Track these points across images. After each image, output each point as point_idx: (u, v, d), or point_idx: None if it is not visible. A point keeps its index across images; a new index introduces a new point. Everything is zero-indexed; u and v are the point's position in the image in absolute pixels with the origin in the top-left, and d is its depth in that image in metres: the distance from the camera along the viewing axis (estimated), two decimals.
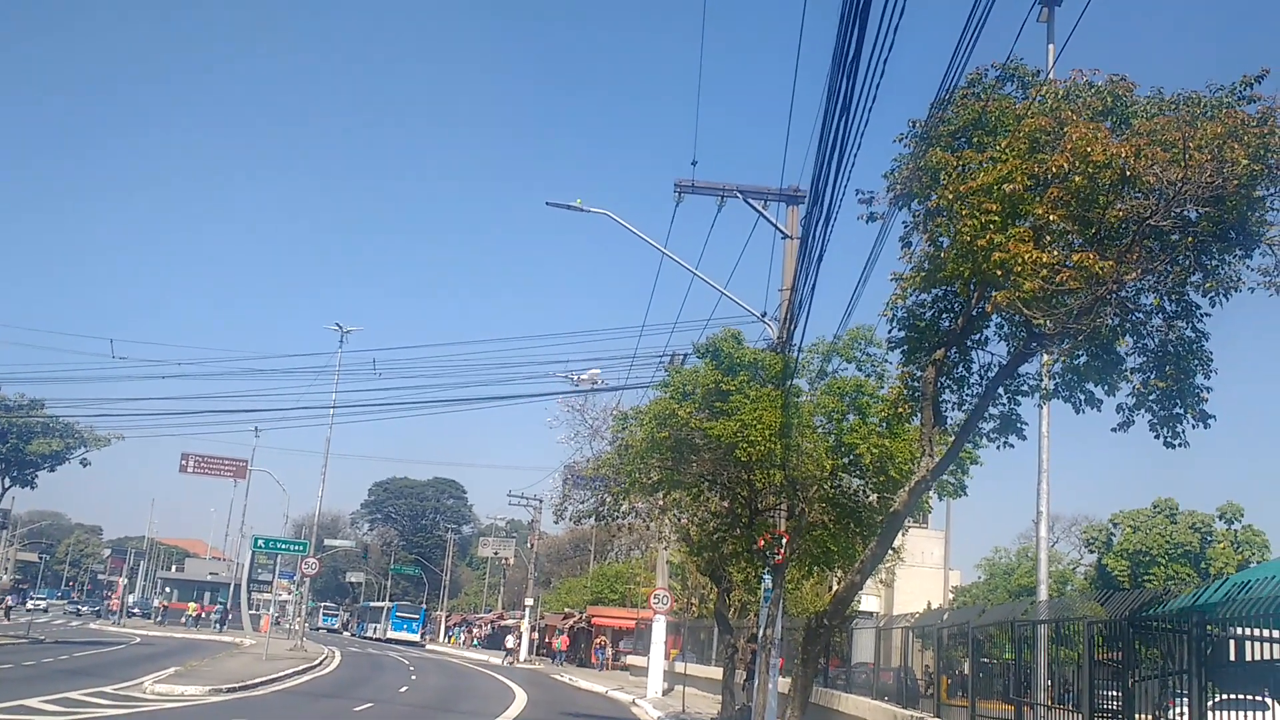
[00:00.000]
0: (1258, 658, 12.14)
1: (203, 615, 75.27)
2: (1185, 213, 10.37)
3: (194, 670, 30.99)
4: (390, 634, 77.01)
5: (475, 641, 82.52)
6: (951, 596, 54.72)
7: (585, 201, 26.30)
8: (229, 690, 26.11)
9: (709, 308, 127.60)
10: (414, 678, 39.29)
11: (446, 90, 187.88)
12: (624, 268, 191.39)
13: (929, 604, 44.30)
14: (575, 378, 31.15)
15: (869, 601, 50.55)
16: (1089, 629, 14.47)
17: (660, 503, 26.38)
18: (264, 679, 30.16)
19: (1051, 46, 22.06)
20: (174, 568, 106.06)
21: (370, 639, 79.19)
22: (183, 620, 73.81)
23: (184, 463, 69.29)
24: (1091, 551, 52.86)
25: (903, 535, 50.05)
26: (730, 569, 25.41)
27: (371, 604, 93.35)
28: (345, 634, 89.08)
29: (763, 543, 20.70)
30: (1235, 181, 9.30)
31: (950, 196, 10.22)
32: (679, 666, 37.43)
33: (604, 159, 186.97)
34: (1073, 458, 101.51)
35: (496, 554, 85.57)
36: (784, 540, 20.39)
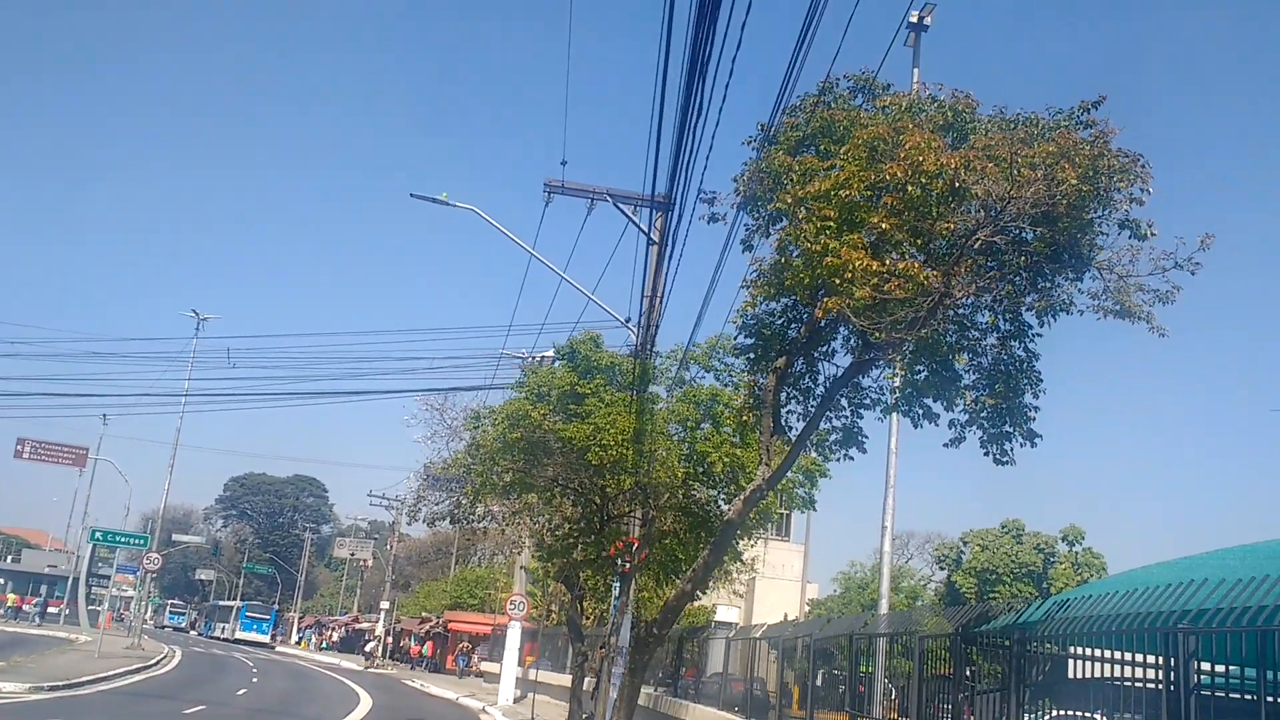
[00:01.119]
0: (1082, 674, 12.38)
1: (23, 607, 71.34)
2: (1021, 233, 10.50)
3: (17, 666, 29.22)
4: (239, 634, 74.66)
5: (326, 644, 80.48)
6: (808, 609, 55.54)
7: (452, 196, 25.67)
8: (51, 689, 24.67)
9: (577, 310, 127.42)
10: (256, 680, 37.90)
11: (310, 77, 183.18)
12: (492, 266, 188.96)
13: (785, 615, 44.82)
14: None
15: (728, 613, 51.00)
16: (921, 643, 14.61)
17: (515, 506, 25.97)
18: (92, 677, 28.66)
19: (916, 70, 22.52)
20: (10, 558, 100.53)
21: (218, 639, 76.54)
22: (0, 612, 69.89)
23: (19, 448, 65.56)
24: (942, 568, 54.28)
25: (764, 547, 50.73)
26: (582, 575, 25.15)
27: (221, 603, 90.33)
28: (192, 633, 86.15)
29: (613, 550, 20.45)
30: (1066, 201, 9.41)
31: (790, 200, 10.14)
32: (533, 674, 36.99)
33: (474, 155, 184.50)
34: (931, 477, 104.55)
35: (354, 555, 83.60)
36: (634, 548, 20.16)
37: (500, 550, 57.65)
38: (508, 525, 28.76)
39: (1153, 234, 10.06)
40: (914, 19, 23.20)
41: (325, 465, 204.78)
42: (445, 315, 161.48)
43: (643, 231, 24.65)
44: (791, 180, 10.48)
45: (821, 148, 10.91)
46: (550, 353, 25.69)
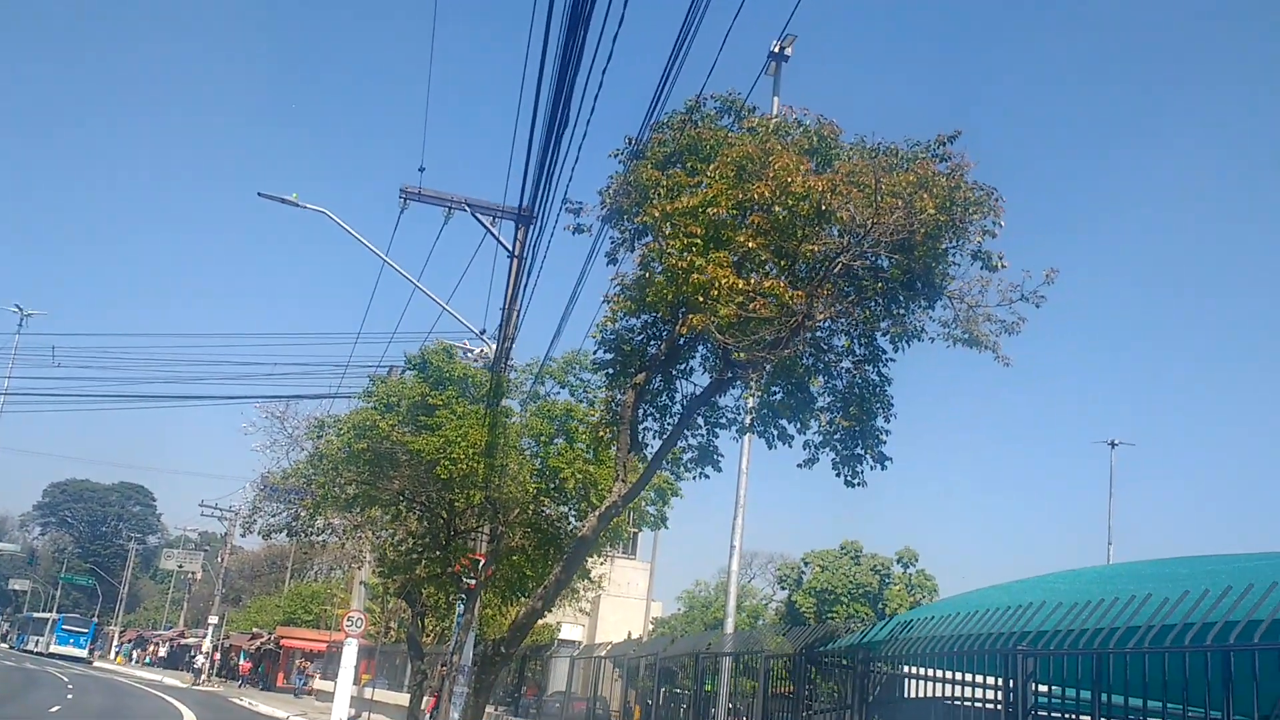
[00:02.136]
0: (924, 694, 12.66)
1: None
2: (878, 260, 10.70)
3: None
4: (55, 648, 70.52)
5: (150, 660, 76.64)
6: (651, 627, 55.72)
7: (303, 198, 24.78)
8: None
9: (431, 321, 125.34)
10: (71, 697, 35.70)
11: (158, 72, 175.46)
12: (343, 272, 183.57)
13: (629, 634, 44.83)
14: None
15: (573, 631, 50.72)
16: (766, 662, 14.75)
17: (356, 520, 25.22)
18: None
19: (777, 99, 22.92)
20: None
21: (31, 652, 72.10)
22: None
23: None
24: (784, 588, 55.29)
25: (610, 565, 50.63)
26: (425, 592, 24.57)
27: (35, 615, 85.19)
28: (3, 645, 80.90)
29: (459, 566, 19.99)
30: (923, 231, 9.63)
31: (657, 215, 10.08)
32: (369, 692, 35.92)
33: (327, 157, 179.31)
34: (777, 497, 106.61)
35: (182, 567, 79.89)
36: (481, 564, 19.76)
37: (339, 565, 56.05)
38: (348, 539, 27.94)
39: (1003, 266, 10.40)
40: (775, 49, 23.67)
41: (154, 473, 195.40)
42: (291, 321, 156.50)
43: (501, 244, 24.31)
44: (659, 195, 10.43)
45: (689, 165, 10.90)
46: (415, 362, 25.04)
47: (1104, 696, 7.97)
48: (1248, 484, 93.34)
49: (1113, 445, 44.20)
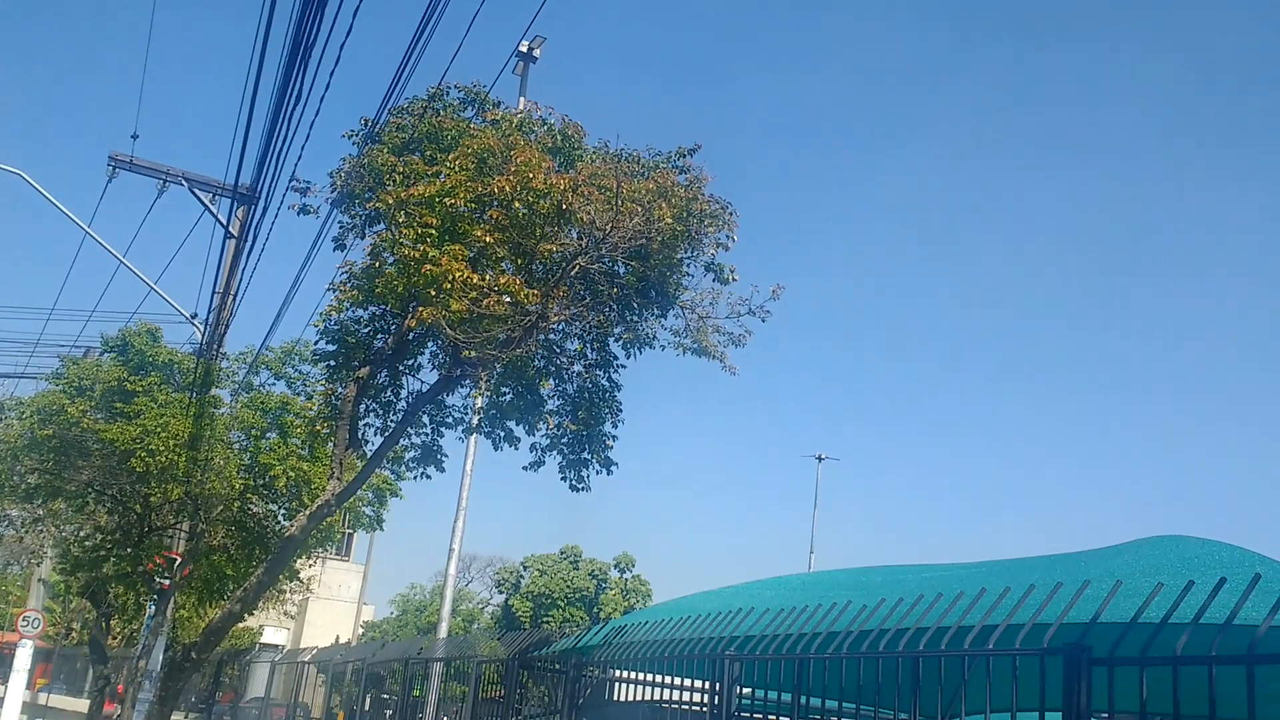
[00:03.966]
0: (635, 698, 12.79)
1: None
2: (615, 265, 10.75)
3: None
4: None
5: None
6: (362, 631, 54.13)
7: None
8: None
9: (137, 301, 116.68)
10: None
11: None
12: (37, 242, 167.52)
13: (338, 638, 43.34)
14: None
15: (277, 634, 48.49)
16: (478, 667, 14.52)
17: (37, 512, 22.98)
18: None
19: (523, 99, 22.79)
20: None
21: None
22: None
23: None
24: (501, 592, 55.09)
25: (321, 566, 48.58)
26: (112, 591, 22.71)
27: None
28: None
29: (152, 565, 18.54)
30: (660, 239, 9.74)
31: (391, 202, 9.67)
32: (43, 698, 32.95)
33: (25, 114, 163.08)
34: (500, 501, 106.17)
35: None
36: (177, 563, 18.41)
37: (16, 560, 51.01)
38: (27, 532, 25.46)
39: (734, 279, 10.71)
40: (524, 49, 23.59)
41: None
42: None
43: (220, 222, 22.88)
44: (394, 181, 10.02)
45: (428, 153, 10.55)
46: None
47: (803, 699, 8.25)
48: (938, 497, 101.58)
49: (819, 459, 46.84)
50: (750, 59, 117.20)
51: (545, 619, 47.45)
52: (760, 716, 10.01)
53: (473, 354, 9.74)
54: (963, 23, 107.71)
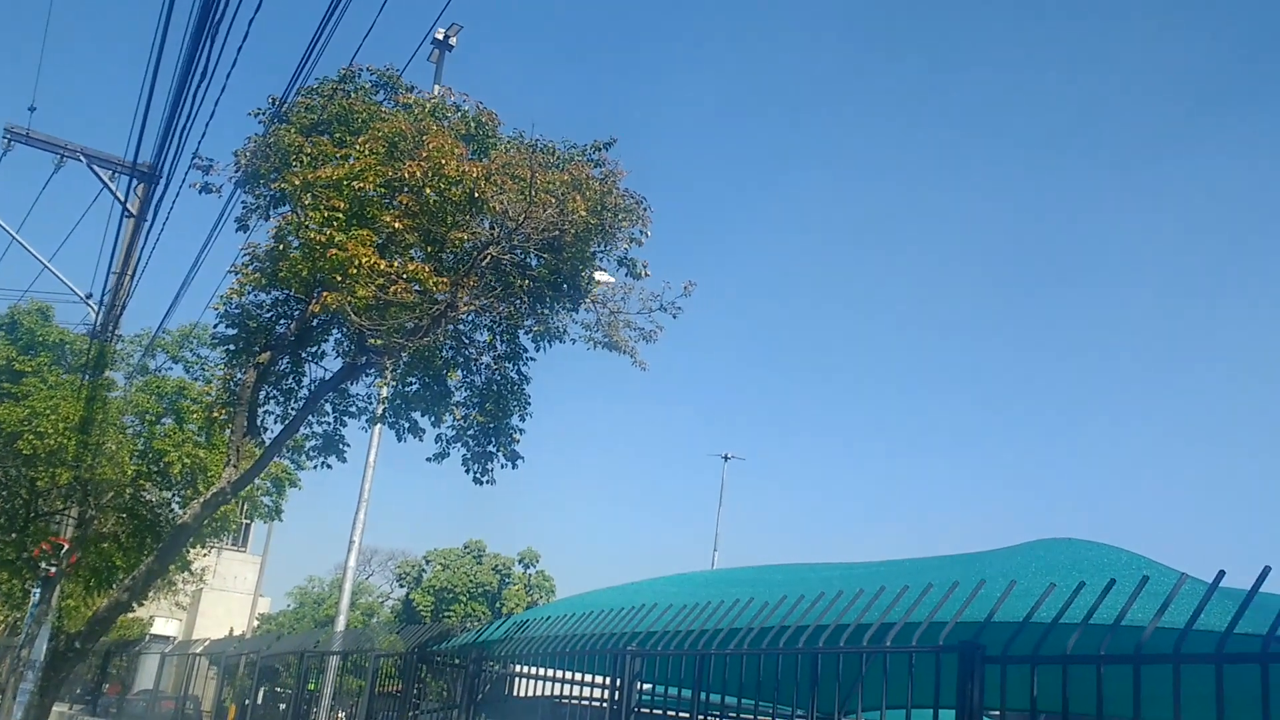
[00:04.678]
0: (536, 693, 12.71)
1: None
2: (527, 257, 10.64)
3: None
4: None
5: None
6: (258, 624, 52.97)
7: None
8: None
9: (28, 279, 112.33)
10: None
11: None
12: None
13: (232, 630, 42.34)
14: None
15: (168, 626, 47.20)
16: (375, 661, 14.32)
17: None
18: None
19: (438, 86, 22.49)
20: None
21: None
22: None
23: None
24: (403, 586, 54.35)
25: (217, 557, 47.17)
26: None
27: None
28: None
29: (38, 552, 17.86)
30: (573, 232, 9.66)
31: (297, 183, 9.41)
32: None
33: None
34: (404, 493, 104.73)
35: None
36: (65, 550, 17.75)
37: None
38: None
39: (646, 274, 10.68)
40: (440, 36, 23.28)
41: None
42: None
43: (118, 200, 22.13)
44: (301, 162, 9.76)
45: (338, 135, 10.31)
46: None
47: (704, 695, 8.27)
48: (841, 497, 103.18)
49: (725, 458, 47.22)
50: (673, 60, 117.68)
51: (446, 614, 46.98)
52: (661, 712, 10.03)
53: (378, 342, 9.56)
54: (874, 40, 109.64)
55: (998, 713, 5.47)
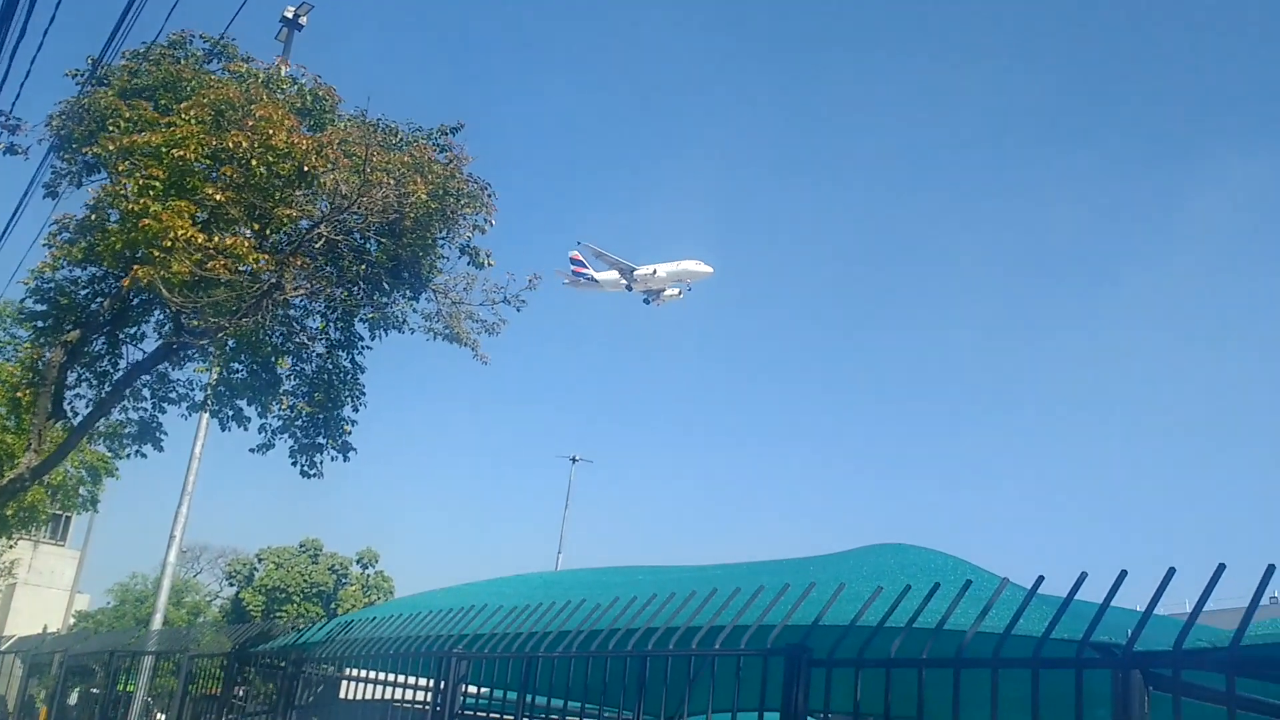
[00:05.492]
0: (360, 696, 12.23)
1: None
2: (365, 242, 10.20)
3: None
4: None
5: None
6: (74, 621, 50.17)
7: None
8: None
9: None
10: None
11: None
12: None
13: (45, 627, 39.92)
14: None
15: None
16: (190, 662, 13.60)
17: None
18: None
19: (286, 65, 21.67)
20: None
21: None
22: None
23: None
24: (233, 585, 52.31)
25: (31, 550, 44.52)
26: None
27: None
28: None
29: None
30: (413, 215, 9.29)
31: (113, 149, 8.75)
32: None
33: None
34: (236, 489, 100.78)
35: None
36: None
37: None
38: None
39: (490, 264, 10.37)
40: (289, 14, 22.48)
41: None
42: None
43: None
44: (119, 127, 9.08)
45: (162, 102, 9.65)
46: None
47: (532, 698, 8.03)
48: (684, 500, 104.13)
49: (574, 460, 47.09)
50: (536, 58, 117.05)
51: (278, 613, 45.38)
52: (485, 715, 9.74)
53: (196, 323, 8.97)
54: (747, 35, 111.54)
55: (822, 715, 5.41)
